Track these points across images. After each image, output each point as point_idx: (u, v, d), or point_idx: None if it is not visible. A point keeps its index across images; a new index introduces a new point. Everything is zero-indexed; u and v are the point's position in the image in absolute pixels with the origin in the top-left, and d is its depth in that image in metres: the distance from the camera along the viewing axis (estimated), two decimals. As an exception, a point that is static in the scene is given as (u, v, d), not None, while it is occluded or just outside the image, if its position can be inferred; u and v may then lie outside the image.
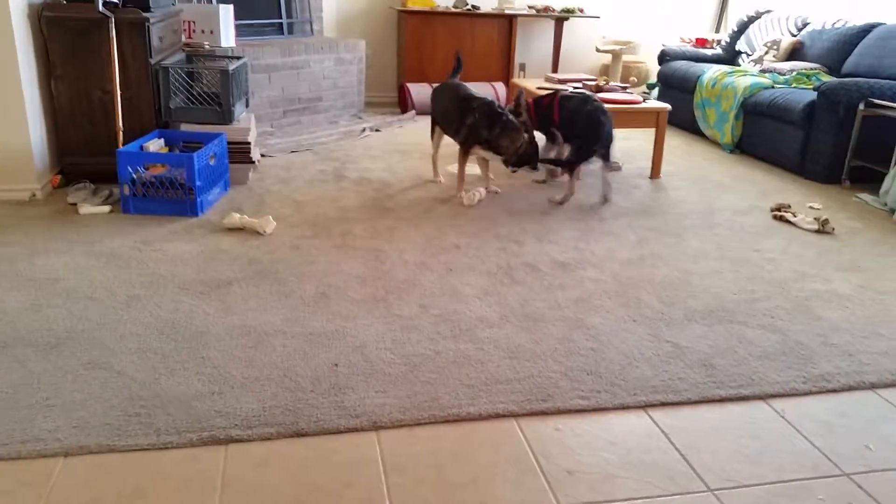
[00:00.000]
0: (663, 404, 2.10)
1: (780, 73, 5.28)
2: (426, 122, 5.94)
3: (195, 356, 2.22)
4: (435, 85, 4.15)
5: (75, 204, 3.49)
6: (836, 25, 5.46)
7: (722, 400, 2.14)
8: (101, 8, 3.50)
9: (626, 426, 2.00)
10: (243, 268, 2.89)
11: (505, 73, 6.75)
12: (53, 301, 2.54)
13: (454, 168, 4.38)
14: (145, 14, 3.67)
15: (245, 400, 2.01)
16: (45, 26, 3.59)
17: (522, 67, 7.06)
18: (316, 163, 4.56)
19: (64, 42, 3.62)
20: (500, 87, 6.47)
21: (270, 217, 3.34)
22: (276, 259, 3.00)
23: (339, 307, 2.59)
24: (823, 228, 3.61)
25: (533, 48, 7.12)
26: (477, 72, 6.67)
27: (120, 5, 3.62)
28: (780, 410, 2.10)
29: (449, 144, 4.28)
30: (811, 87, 4.87)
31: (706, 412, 2.08)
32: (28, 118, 3.52)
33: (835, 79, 4.80)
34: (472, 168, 4.21)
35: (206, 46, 4.61)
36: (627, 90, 4.87)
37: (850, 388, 2.22)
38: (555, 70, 7.02)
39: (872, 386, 2.24)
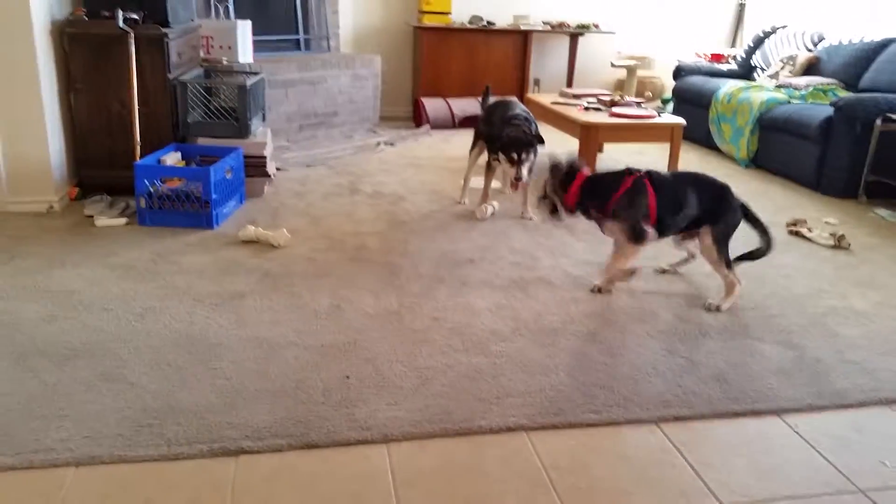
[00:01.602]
0: (677, 419, 2.08)
1: (796, 89, 5.26)
2: (440, 136, 5.98)
3: (208, 368, 2.23)
4: (491, 103, 4.12)
5: (92, 216, 3.53)
6: (852, 41, 5.43)
7: (736, 415, 2.11)
8: (121, 24, 3.56)
9: (639, 441, 1.98)
10: (258, 280, 2.91)
11: (519, 88, 6.77)
12: (69, 312, 2.57)
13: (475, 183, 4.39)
14: (164, 30, 3.72)
15: (256, 411, 2.02)
16: (67, 42, 3.65)
17: (537, 83, 7.07)
18: (331, 176, 4.59)
19: (84, 57, 3.68)
20: (515, 103, 6.48)
21: (285, 230, 3.36)
22: (290, 272, 3.01)
23: (352, 320, 2.60)
24: (840, 244, 3.57)
25: (548, 63, 7.14)
26: (492, 87, 6.67)
27: (140, 21, 3.68)
28: (794, 426, 2.08)
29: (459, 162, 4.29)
30: (828, 102, 4.85)
31: (720, 427, 2.06)
32: (48, 131, 3.57)
33: (852, 94, 4.78)
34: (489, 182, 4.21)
35: (224, 62, 4.67)
36: (642, 105, 4.87)
37: (865, 404, 2.19)
38: (569, 85, 7.03)
39: (889, 402, 2.21)
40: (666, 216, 2.80)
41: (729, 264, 2.85)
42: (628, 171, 2.84)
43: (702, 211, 2.82)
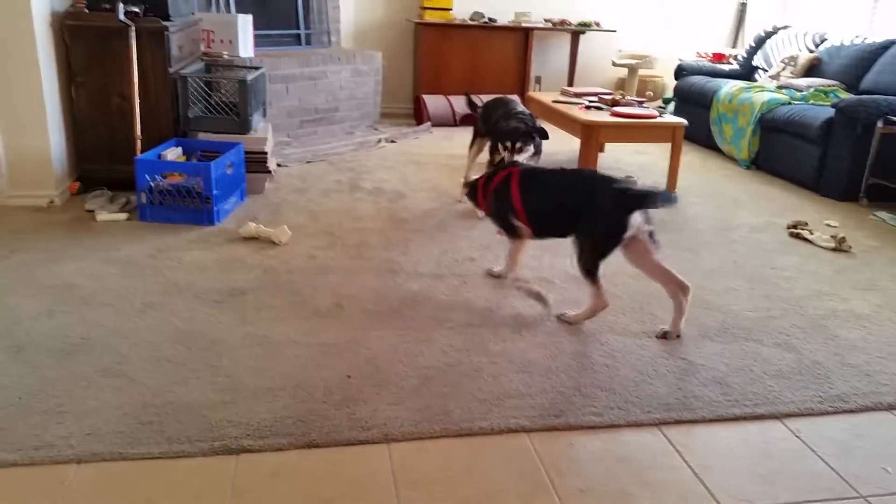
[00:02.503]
0: (677, 422, 2.08)
1: (797, 90, 5.25)
2: (441, 133, 5.97)
3: (208, 365, 2.23)
4: (489, 100, 4.10)
5: (93, 211, 3.52)
6: (854, 42, 5.43)
7: (737, 418, 2.11)
8: (121, 17, 3.54)
9: (640, 444, 1.98)
10: (258, 277, 2.90)
11: (520, 86, 6.76)
12: (69, 307, 2.56)
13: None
14: (165, 23, 3.71)
15: (257, 410, 2.01)
16: (68, 34, 3.63)
17: (538, 80, 7.06)
18: (331, 173, 4.58)
19: (85, 50, 3.66)
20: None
21: (286, 227, 3.35)
22: (291, 269, 3.00)
23: (352, 318, 2.59)
24: (840, 246, 3.57)
25: (549, 61, 7.13)
26: (492, 84, 6.68)
27: (141, 14, 3.66)
28: (795, 430, 2.08)
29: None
30: (829, 103, 4.84)
31: (721, 431, 2.06)
32: (48, 125, 3.55)
33: (853, 96, 4.78)
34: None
35: (225, 56, 4.65)
36: (643, 105, 4.86)
37: (867, 409, 2.19)
38: (570, 83, 7.02)
39: (890, 407, 2.21)
40: (538, 215, 2.63)
41: (593, 277, 2.51)
42: (503, 168, 2.81)
43: (573, 214, 2.53)
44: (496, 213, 2.78)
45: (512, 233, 2.75)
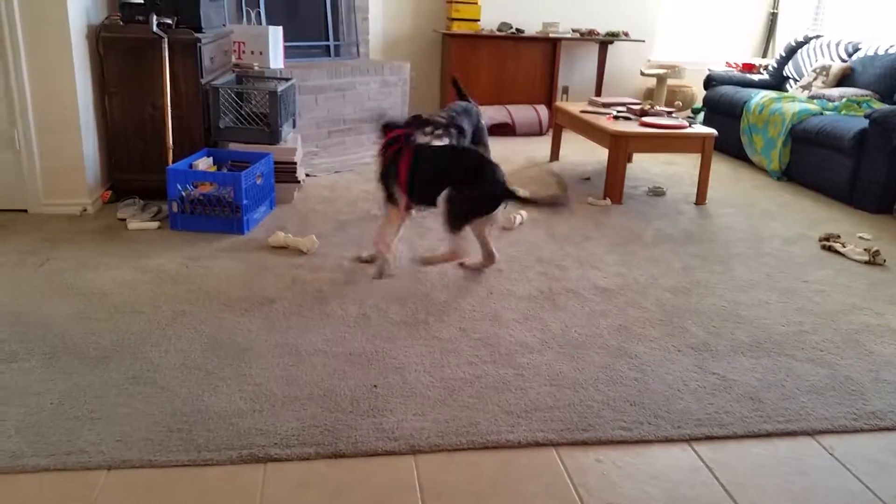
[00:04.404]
0: (708, 438, 2.05)
1: (829, 100, 5.18)
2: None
3: (237, 373, 2.24)
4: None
5: (124, 219, 3.57)
6: (889, 51, 5.34)
7: (769, 435, 2.08)
8: (155, 28, 3.60)
9: (670, 460, 1.95)
10: (287, 286, 2.92)
11: (548, 96, 6.75)
12: (101, 314, 2.60)
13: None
14: (197, 35, 3.76)
15: (285, 419, 2.02)
16: (103, 46, 3.70)
17: (566, 90, 7.05)
18: (359, 183, 4.60)
19: (119, 61, 3.73)
20: (543, 111, 6.47)
21: (314, 236, 3.37)
22: (318, 278, 3.02)
23: (379, 328, 2.60)
24: (874, 260, 3.51)
25: (576, 71, 7.12)
26: (520, 95, 6.69)
27: (173, 26, 3.72)
28: (829, 447, 2.04)
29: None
30: (862, 114, 4.77)
31: (752, 447, 2.03)
32: (82, 135, 3.62)
33: (887, 106, 4.70)
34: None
35: (256, 67, 4.70)
36: (672, 115, 4.83)
37: (903, 427, 2.15)
38: (598, 94, 7.00)
39: (928, 425, 2.16)
40: (420, 186, 3.04)
41: (457, 230, 3.00)
42: (397, 140, 3.16)
43: (456, 180, 2.98)
44: (382, 181, 3.15)
45: (392, 200, 3.14)
